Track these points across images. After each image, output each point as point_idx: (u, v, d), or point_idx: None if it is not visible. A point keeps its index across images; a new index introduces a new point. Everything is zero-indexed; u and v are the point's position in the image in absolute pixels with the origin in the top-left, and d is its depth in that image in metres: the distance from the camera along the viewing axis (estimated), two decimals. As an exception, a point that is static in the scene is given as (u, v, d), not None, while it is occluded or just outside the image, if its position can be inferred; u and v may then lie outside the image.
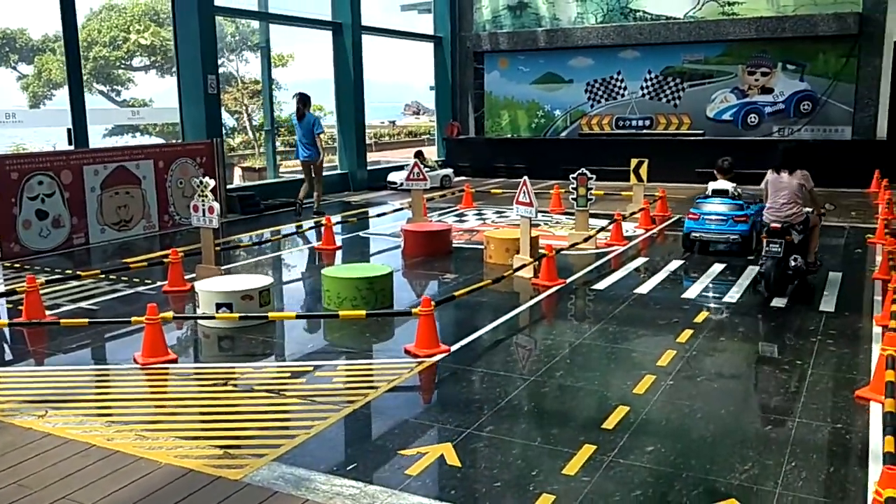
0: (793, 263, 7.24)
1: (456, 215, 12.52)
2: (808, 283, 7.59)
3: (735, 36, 16.03)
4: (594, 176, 9.37)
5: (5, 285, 8.12)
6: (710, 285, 7.70)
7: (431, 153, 16.76)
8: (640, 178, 11.68)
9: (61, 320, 6.32)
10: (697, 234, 9.14)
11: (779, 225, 7.20)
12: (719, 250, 9.21)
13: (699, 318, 6.54)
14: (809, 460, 4.04)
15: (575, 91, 17.84)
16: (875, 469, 3.89)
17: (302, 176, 13.00)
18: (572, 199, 9.46)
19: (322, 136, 12.45)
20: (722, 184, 9.29)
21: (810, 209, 7.49)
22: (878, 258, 8.45)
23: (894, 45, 14.87)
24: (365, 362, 5.75)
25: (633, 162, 11.76)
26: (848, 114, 15.52)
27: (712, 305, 6.98)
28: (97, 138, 11.69)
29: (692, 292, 7.44)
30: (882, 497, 2.97)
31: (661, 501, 3.64)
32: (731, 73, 16.39)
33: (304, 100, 12.28)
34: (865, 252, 9.23)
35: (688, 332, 6.15)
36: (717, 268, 8.43)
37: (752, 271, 8.21)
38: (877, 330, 6.14)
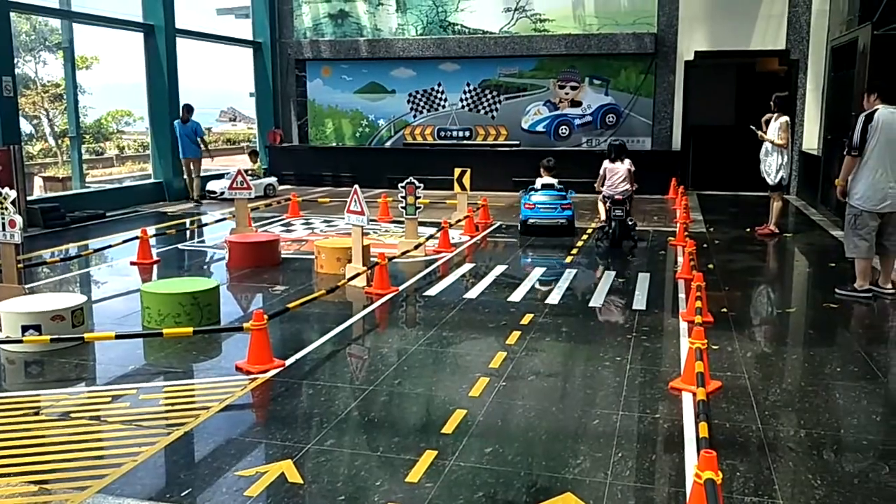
0: (630, 222, 10.46)
1: (282, 225, 12.26)
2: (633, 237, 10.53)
3: (546, 51, 16.92)
4: (422, 185, 9.53)
5: None
6: (533, 289, 8.05)
7: (244, 162, 16.30)
8: (463, 187, 12.01)
9: None
10: (534, 221, 11.17)
11: (620, 197, 10.37)
12: (551, 231, 11.17)
13: (525, 321, 6.81)
14: (634, 450, 4.32)
15: (398, 101, 18.07)
16: (691, 453, 4.23)
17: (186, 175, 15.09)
18: (401, 207, 9.56)
19: (204, 138, 15.30)
20: (548, 179, 11.46)
21: (633, 186, 10.71)
22: (680, 259, 9.22)
23: (685, 63, 16.34)
24: (194, 382, 5.47)
25: (457, 171, 12.07)
26: (647, 126, 16.84)
27: (536, 307, 7.30)
28: None
29: (517, 296, 7.74)
30: (701, 479, 3.22)
31: (504, 501, 3.75)
32: (543, 87, 17.28)
33: (188, 108, 14.91)
34: (668, 253, 10.03)
35: (516, 334, 6.39)
36: (538, 272, 8.83)
37: (569, 274, 8.69)
38: (683, 325, 6.69)
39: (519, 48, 17.03)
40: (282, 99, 18.89)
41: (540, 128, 17.36)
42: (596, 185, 10.93)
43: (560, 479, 3.95)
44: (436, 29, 17.65)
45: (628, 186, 10.54)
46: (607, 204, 10.48)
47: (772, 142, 10.89)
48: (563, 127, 17.28)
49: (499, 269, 8.98)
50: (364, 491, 3.82)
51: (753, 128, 11.19)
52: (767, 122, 11.11)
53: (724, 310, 7.17)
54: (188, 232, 11.97)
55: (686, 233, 10.54)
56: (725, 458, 4.12)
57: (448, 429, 4.53)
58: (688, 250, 8.72)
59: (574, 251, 10.13)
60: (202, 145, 15.13)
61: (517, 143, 17.29)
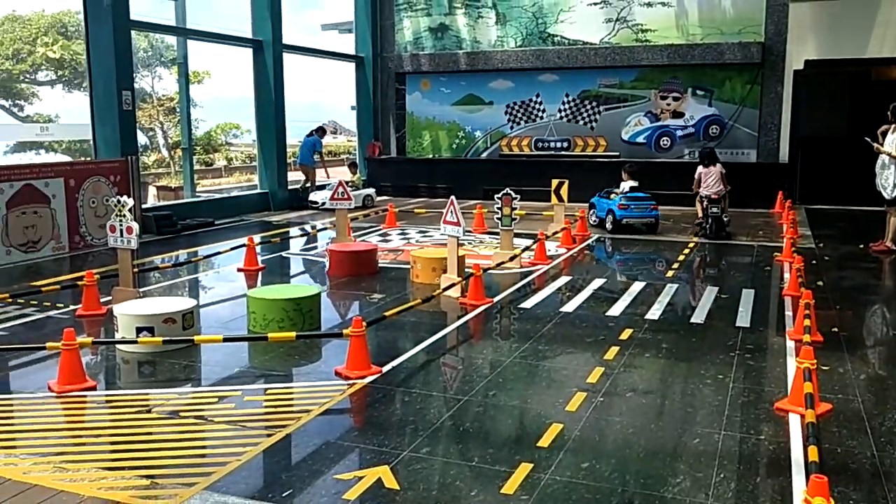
0: (725, 219, 11.99)
1: (380, 235, 12.47)
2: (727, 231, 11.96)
3: (648, 62, 16.62)
4: (518, 196, 9.51)
5: None
6: (632, 303, 7.89)
7: (344, 173, 16.77)
8: (560, 199, 11.91)
9: (-33, 347, 5.96)
10: (628, 219, 12.26)
11: (716, 196, 11.90)
12: (640, 228, 12.31)
13: (624, 336, 6.69)
14: (737, 471, 4.17)
15: (495, 113, 18.12)
16: (798, 478, 4.04)
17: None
18: (497, 218, 9.57)
19: (321, 152, 17.23)
20: (632, 183, 12.49)
21: (726, 186, 12.09)
22: (787, 275, 8.85)
23: (794, 73, 15.72)
24: (295, 385, 5.63)
25: (554, 182, 11.99)
26: (753, 137, 16.28)
27: (636, 322, 7.15)
28: (-1, 155, 11.20)
29: (615, 310, 7.61)
30: (811, 505, 3.08)
31: (600, 517, 3.69)
32: (644, 98, 16.97)
33: (321, 129, 17.43)
34: (773, 270, 9.65)
35: (614, 349, 6.28)
36: (638, 286, 8.66)
37: (670, 289, 8.48)
38: (790, 344, 6.42)
39: (620, 59, 16.80)
40: (381, 112, 19.26)
41: (640, 139, 17.06)
42: (693, 187, 12.38)
43: (658, 498, 3.85)
44: (535, 40, 17.62)
45: (722, 187, 12.01)
46: (704, 203, 12.01)
47: (889, 154, 10.34)
48: (665, 138, 16.91)
49: (597, 283, 8.85)
50: (459, 500, 3.84)
51: (869, 140, 10.65)
52: (884, 134, 10.55)
53: (835, 329, 6.83)
54: (291, 240, 12.34)
55: (793, 248, 10.12)
56: (836, 484, 3.91)
57: (544, 442, 4.49)
58: (795, 266, 8.36)
59: (675, 265, 9.88)
60: (317, 157, 16.82)
61: (617, 154, 17.04)
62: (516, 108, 17.93)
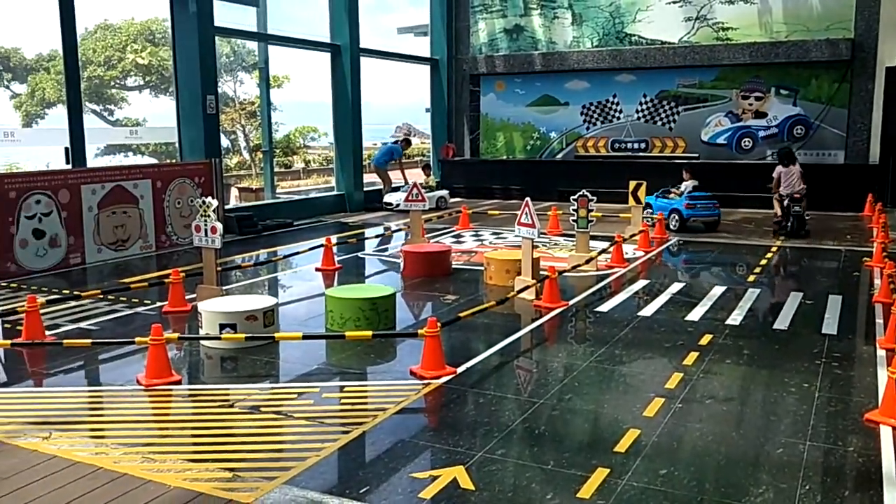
0: (806, 217, 12.10)
1: (453, 236, 12.52)
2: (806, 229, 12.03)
3: (729, 61, 16.20)
4: (595, 198, 9.40)
5: (2, 305, 8.05)
6: (713, 308, 7.71)
7: (418, 175, 16.91)
8: (638, 201, 11.72)
9: (64, 341, 6.25)
10: (695, 218, 12.49)
11: (798, 195, 11.96)
12: (707, 227, 12.57)
13: (704, 341, 6.54)
14: (824, 483, 4.03)
15: (571, 113, 17.97)
16: (890, 493, 3.88)
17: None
18: (573, 220, 9.48)
19: (398, 160, 17.17)
20: (694, 182, 12.87)
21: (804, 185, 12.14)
22: (878, 281, 8.49)
23: (886, 70, 15.06)
24: (371, 383, 5.71)
25: (632, 184, 11.81)
26: (841, 138, 15.67)
27: (716, 328, 6.97)
28: (90, 158, 11.65)
29: (695, 315, 7.44)
30: (905, 521, 2.95)
31: (679, 525, 3.61)
32: (725, 98, 16.55)
33: (407, 141, 18.08)
34: (863, 275, 9.27)
35: (694, 355, 6.14)
36: (718, 290, 8.44)
37: (752, 294, 8.25)
38: (881, 353, 6.15)
39: (700, 58, 16.42)
40: (455, 114, 19.34)
41: (721, 140, 16.63)
42: (772, 187, 12.36)
43: (740, 509, 3.75)
44: (612, 40, 17.40)
45: (802, 185, 12.05)
46: (785, 202, 12.09)
47: None
48: (746, 139, 16.44)
49: (675, 287, 8.67)
50: (535, 502, 3.82)
51: None
52: None
53: (931, 339, 6.51)
54: (367, 241, 12.51)
55: (884, 253, 9.70)
56: (932, 501, 3.74)
57: (621, 447, 4.43)
58: (887, 272, 8.00)
59: (757, 269, 9.60)
60: (396, 162, 17.05)
61: (696, 155, 16.65)
62: (592, 108, 17.73)
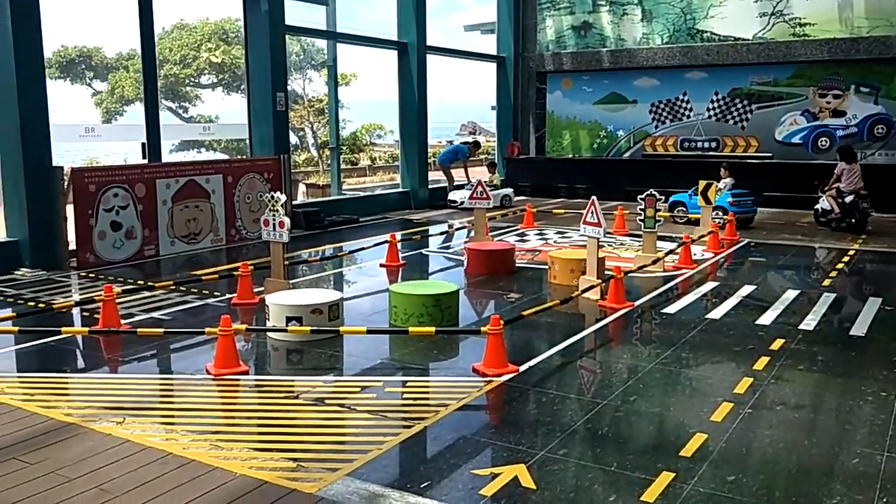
0: (871, 213, 12.41)
1: (517, 235, 12.46)
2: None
3: (806, 57, 15.71)
4: (662, 197, 9.23)
5: (81, 294, 8.37)
6: (785, 312, 7.48)
7: (483, 173, 16.89)
8: (708, 201, 11.45)
9: (138, 330, 6.46)
10: (740, 213, 12.60)
11: (864, 192, 12.22)
12: (743, 223, 12.66)
13: (775, 346, 6.34)
14: (902, 497, 3.86)
15: (639, 111, 17.68)
16: (974, 509, 3.69)
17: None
18: (640, 220, 9.33)
19: (461, 161, 17.00)
20: (731, 180, 13.25)
21: None
22: (963, 288, 8.11)
23: (976, 67, 14.37)
24: (433, 379, 5.73)
25: (702, 184, 11.54)
26: (925, 138, 15.01)
27: (788, 333, 6.76)
28: (164, 153, 12.01)
29: (766, 318, 7.23)
30: None
31: (746, 534, 3.51)
32: (801, 96, 16.04)
33: (477, 144, 17.97)
34: (947, 281, 8.87)
35: (764, 360, 5.97)
36: (791, 294, 8.19)
37: (827, 299, 7.97)
38: (966, 363, 5.87)
39: (774, 54, 15.96)
40: (521, 111, 19.24)
41: (796, 139, 16.12)
42: (831, 183, 12.58)
43: (812, 519, 3.63)
44: (683, 37, 17.04)
45: (862, 183, 12.24)
46: (847, 199, 12.25)
47: None
48: (823, 139, 15.90)
49: (746, 290, 8.44)
50: (596, 504, 3.77)
51: None
52: None
53: None
54: (431, 238, 12.55)
55: (971, 259, 9.26)
56: None
57: (687, 452, 4.33)
58: (974, 278, 7.63)
59: (833, 273, 9.28)
60: (460, 161, 16.96)
61: (769, 154, 16.19)
62: (661, 106, 17.41)
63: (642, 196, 9.30)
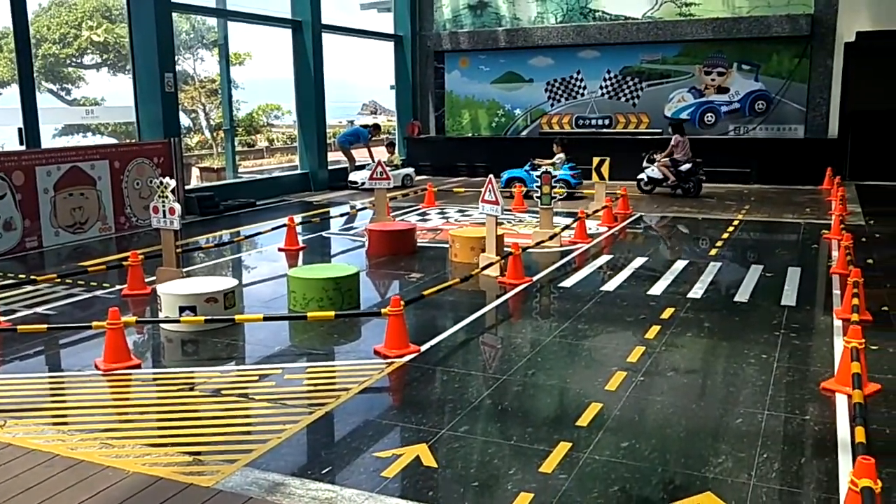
0: (704, 180, 13.89)
1: (419, 214, 12.47)
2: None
3: (692, 36, 16.28)
4: (557, 174, 9.41)
5: (-44, 290, 7.85)
6: (674, 282, 7.78)
7: (383, 153, 16.82)
8: (601, 177, 11.76)
9: (18, 327, 6.11)
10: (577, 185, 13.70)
11: (699, 161, 13.63)
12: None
13: (666, 315, 6.60)
14: (781, 452, 4.09)
15: (535, 90, 17.94)
16: (845, 459, 3.96)
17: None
18: (536, 197, 9.49)
19: (362, 144, 17.12)
20: (563, 155, 14.10)
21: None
22: (835, 253, 8.64)
23: (845, 45, 15.24)
24: (334, 364, 5.67)
25: (595, 160, 11.84)
26: (801, 113, 15.87)
27: (678, 301, 7.04)
28: (46, 138, 11.38)
29: (657, 289, 7.51)
30: (857, 486, 3.01)
31: (639, 497, 3.65)
32: (688, 73, 16.64)
33: (377, 127, 17.94)
34: (821, 247, 9.43)
35: (655, 329, 6.20)
36: (680, 264, 8.53)
37: (713, 268, 8.34)
38: (837, 323, 6.27)
39: (663, 34, 16.47)
40: (420, 91, 19.20)
41: (684, 115, 16.74)
42: (664, 155, 13.86)
43: (699, 478, 3.80)
44: (576, 16, 17.36)
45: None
46: (684, 167, 13.67)
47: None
48: (709, 114, 16.57)
49: (638, 262, 8.74)
50: (497, 478, 3.83)
51: None
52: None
53: (885, 308, 6.65)
54: (331, 220, 12.41)
55: (842, 226, 9.87)
56: (885, 466, 3.82)
57: (583, 422, 4.46)
58: (844, 244, 8.14)
59: (719, 243, 9.71)
60: (358, 143, 17.03)
61: (659, 131, 16.76)
62: (557, 85, 17.72)
63: (538, 174, 9.45)
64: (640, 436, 4.29)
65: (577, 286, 7.71)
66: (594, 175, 11.88)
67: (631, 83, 17.10)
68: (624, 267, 8.49)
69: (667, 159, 13.83)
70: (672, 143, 13.83)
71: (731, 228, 10.72)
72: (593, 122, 17.47)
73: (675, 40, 16.48)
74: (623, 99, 17.20)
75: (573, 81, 17.57)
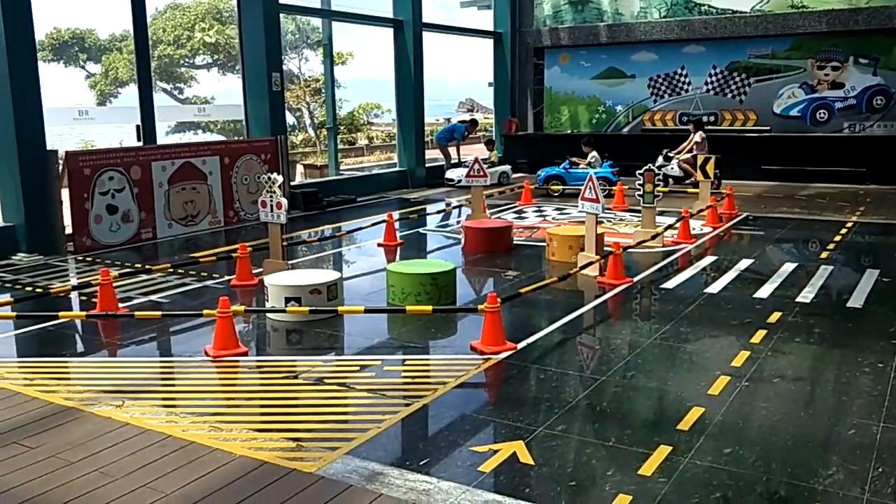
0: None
1: (515, 212, 12.44)
2: None
3: (804, 29, 15.59)
4: (661, 173, 9.20)
5: (78, 278, 8.37)
6: (783, 285, 7.48)
7: (481, 151, 16.84)
8: (706, 175, 11.42)
9: (136, 313, 6.46)
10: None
11: (717, 157, 12.19)
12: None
13: (773, 319, 6.36)
14: (898, 467, 3.88)
15: (637, 86, 17.57)
16: (970, 478, 3.72)
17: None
18: (638, 195, 9.31)
19: (458, 141, 17.16)
20: (596, 153, 14.13)
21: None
22: (961, 259, 8.11)
23: (975, 36, 14.27)
24: (431, 358, 5.74)
25: (700, 158, 11.50)
26: (924, 109, 14.95)
27: (786, 305, 6.77)
28: (160, 135, 11.94)
29: (764, 292, 7.24)
30: None
31: (743, 506, 3.54)
32: (799, 68, 15.94)
33: (474, 122, 17.95)
34: (946, 252, 8.87)
35: (761, 333, 5.98)
36: (788, 267, 8.19)
37: (824, 271, 7.98)
38: (963, 333, 5.89)
39: (773, 27, 15.84)
40: (519, 87, 19.12)
41: (794, 112, 16.05)
42: (684, 150, 13.94)
43: (807, 489, 3.65)
44: (680, 10, 16.90)
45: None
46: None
47: None
48: (822, 111, 15.82)
49: (744, 263, 8.45)
50: (594, 479, 3.79)
51: None
52: None
53: None
54: (428, 217, 12.53)
55: (970, 229, 9.25)
56: None
57: (684, 426, 4.35)
58: (972, 249, 7.63)
59: (831, 246, 9.27)
60: (457, 139, 17.05)
61: (767, 128, 16.13)
62: (660, 81, 17.31)
63: (641, 171, 9.27)
64: (743, 443, 4.15)
65: (680, 288, 7.51)
66: (698, 173, 11.54)
67: (738, 79, 16.52)
68: (729, 269, 8.22)
69: (689, 156, 13.77)
70: (696, 139, 13.86)
71: (843, 231, 10.22)
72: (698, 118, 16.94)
73: (785, 34, 15.82)
74: (729, 95, 16.64)
75: (677, 77, 17.12)
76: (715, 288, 7.44)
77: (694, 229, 10.08)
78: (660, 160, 14.04)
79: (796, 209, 12.04)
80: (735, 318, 6.44)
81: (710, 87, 16.81)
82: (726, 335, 6.06)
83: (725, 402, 4.69)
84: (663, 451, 4.04)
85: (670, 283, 7.67)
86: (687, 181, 13.67)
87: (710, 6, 16.60)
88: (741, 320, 6.37)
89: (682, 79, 17.07)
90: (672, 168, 14.00)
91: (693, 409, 4.58)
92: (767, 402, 4.69)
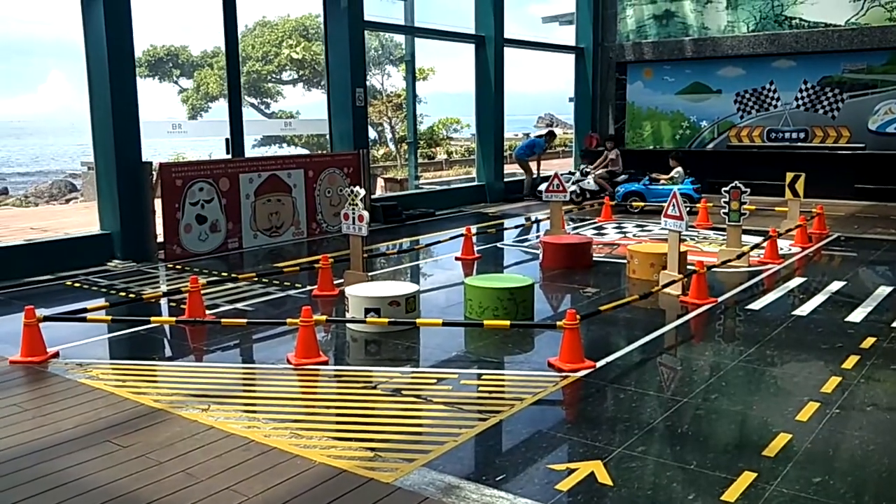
0: None
1: (594, 228, 12.31)
2: None
3: (903, 43, 14.94)
4: (748, 190, 8.96)
5: (168, 285, 8.69)
6: (877, 309, 7.15)
7: (567, 165, 16.73)
8: (795, 194, 11.05)
9: (222, 320, 6.66)
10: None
11: (632, 171, 14.34)
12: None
13: (866, 344, 6.08)
14: None
15: (723, 102, 17.16)
16: None
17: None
18: (724, 213, 9.08)
19: (538, 155, 16.97)
20: (681, 168, 14.10)
21: None
22: None
23: None
24: (508, 373, 5.72)
25: (789, 176, 11.14)
26: None
27: (881, 331, 6.47)
28: (247, 148, 12.33)
29: (856, 316, 6.94)
30: None
31: (834, 539, 3.39)
32: (897, 83, 15.27)
33: (552, 134, 18.28)
34: None
35: (854, 359, 5.73)
36: (884, 290, 7.83)
37: (924, 295, 7.60)
38: None
39: (869, 41, 15.24)
40: (600, 102, 18.95)
41: (891, 129, 15.35)
42: (599, 165, 14.59)
43: (905, 526, 3.47)
44: (770, 24, 16.45)
45: None
46: (621, 177, 14.31)
47: None
48: (921, 128, 15.10)
49: (835, 285, 8.12)
50: (675, 503, 3.70)
51: None
52: None
53: None
54: (506, 231, 12.52)
55: None
56: None
57: (770, 452, 4.21)
58: None
59: (929, 269, 8.83)
60: (534, 155, 16.88)
61: (862, 145, 15.49)
62: (747, 96, 16.86)
63: (727, 188, 9.04)
64: (834, 472, 3.98)
65: (766, 309, 7.28)
66: (787, 192, 11.18)
67: (830, 94, 15.94)
68: (819, 291, 7.92)
69: (603, 171, 14.68)
70: (611, 156, 14.86)
71: (945, 253, 9.72)
72: (787, 135, 16.43)
73: (883, 47, 15.18)
74: (821, 111, 16.06)
75: (765, 92, 16.63)
76: (804, 310, 7.18)
77: (782, 249, 9.75)
78: (577, 175, 15.02)
79: (892, 230, 11.51)
80: (825, 343, 6.19)
81: (800, 102, 16.27)
82: (816, 360, 5.83)
83: (814, 429, 4.51)
84: (748, 477, 3.91)
85: (756, 305, 7.44)
86: (601, 195, 14.16)
87: (801, 19, 16.10)
88: (832, 345, 6.12)
89: (771, 94, 16.57)
90: (588, 182, 14.77)
91: (779, 435, 4.42)
92: (860, 431, 4.48)
